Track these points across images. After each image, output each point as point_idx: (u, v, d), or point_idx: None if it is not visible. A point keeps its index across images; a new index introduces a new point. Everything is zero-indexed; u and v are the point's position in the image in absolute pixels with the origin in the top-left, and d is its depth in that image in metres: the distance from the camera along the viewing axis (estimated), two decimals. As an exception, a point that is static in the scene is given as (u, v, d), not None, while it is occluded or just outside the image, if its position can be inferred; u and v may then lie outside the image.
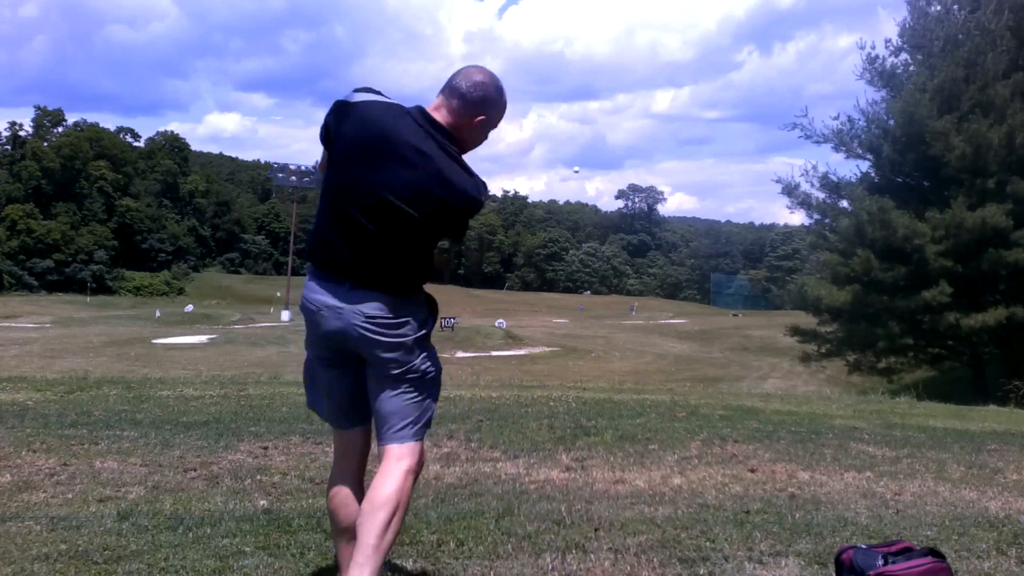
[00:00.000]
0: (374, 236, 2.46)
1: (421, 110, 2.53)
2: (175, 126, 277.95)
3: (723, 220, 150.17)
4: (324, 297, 2.51)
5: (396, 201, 2.43)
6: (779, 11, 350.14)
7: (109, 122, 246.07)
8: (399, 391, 2.53)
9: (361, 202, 2.45)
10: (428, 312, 2.63)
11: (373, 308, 2.48)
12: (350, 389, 2.60)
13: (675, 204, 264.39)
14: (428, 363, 2.58)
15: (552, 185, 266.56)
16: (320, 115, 2.56)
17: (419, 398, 2.56)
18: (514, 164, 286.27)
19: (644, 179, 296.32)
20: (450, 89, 2.54)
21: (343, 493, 2.57)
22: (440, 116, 2.52)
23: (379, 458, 2.53)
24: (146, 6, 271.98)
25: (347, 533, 2.55)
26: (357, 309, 2.48)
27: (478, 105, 2.53)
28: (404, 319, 2.51)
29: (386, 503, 2.37)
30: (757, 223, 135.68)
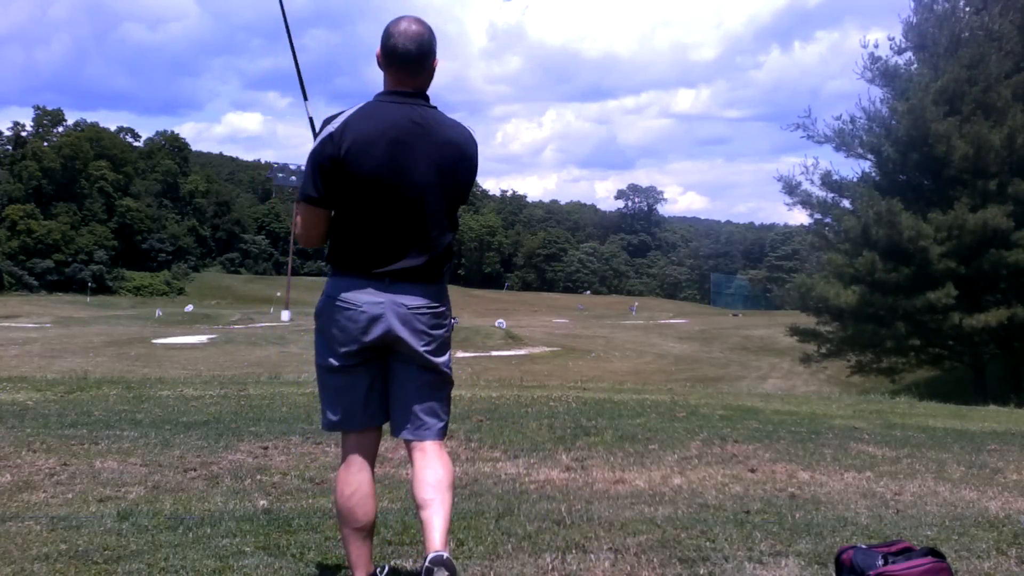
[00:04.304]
0: (423, 221, 2.56)
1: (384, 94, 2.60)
2: (190, 127, 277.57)
3: (735, 220, 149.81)
4: (362, 294, 2.54)
5: (422, 181, 2.55)
6: (802, 10, 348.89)
7: (130, 123, 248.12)
8: (432, 388, 2.63)
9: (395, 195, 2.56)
10: (450, 308, 2.71)
11: (415, 300, 2.56)
12: (372, 388, 2.63)
13: (685, 204, 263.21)
14: (450, 364, 2.69)
15: (562, 185, 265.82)
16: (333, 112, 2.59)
17: (445, 396, 2.67)
18: (527, 164, 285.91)
19: (656, 179, 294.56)
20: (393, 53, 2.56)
21: (361, 492, 2.57)
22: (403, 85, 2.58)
23: (411, 453, 2.61)
24: (167, 6, 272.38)
25: (362, 532, 2.55)
26: (399, 300, 2.54)
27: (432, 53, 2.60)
28: (443, 309, 2.62)
29: (451, 484, 2.54)
30: (757, 223, 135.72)
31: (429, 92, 2.62)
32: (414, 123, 2.53)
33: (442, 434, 2.64)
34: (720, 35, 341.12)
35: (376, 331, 2.54)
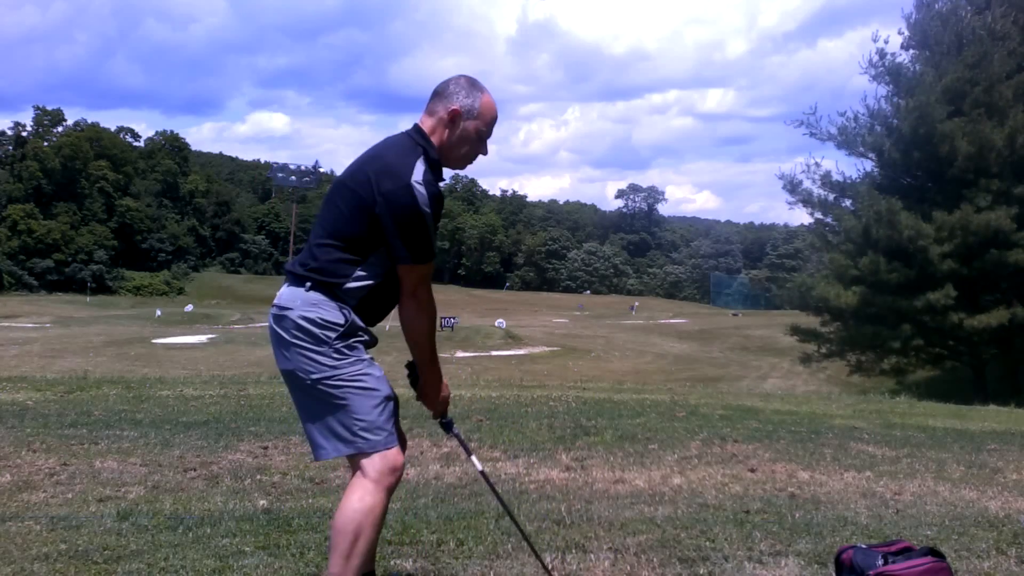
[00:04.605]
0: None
1: (414, 125, 2.55)
2: (209, 126, 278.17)
3: (745, 220, 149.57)
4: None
5: (344, 179, 2.49)
6: (833, 9, 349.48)
7: (152, 121, 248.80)
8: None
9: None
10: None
11: (283, 301, 2.54)
12: None
13: (701, 203, 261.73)
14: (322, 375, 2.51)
15: (577, 186, 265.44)
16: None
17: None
18: (544, 163, 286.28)
19: (671, 179, 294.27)
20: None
21: None
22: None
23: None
24: (190, 4, 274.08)
25: None
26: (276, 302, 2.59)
27: (436, 95, 2.51)
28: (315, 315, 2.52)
29: (342, 529, 2.35)
30: (757, 223, 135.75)
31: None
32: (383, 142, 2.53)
33: (338, 454, 2.43)
34: (749, 33, 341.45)
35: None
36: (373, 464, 2.34)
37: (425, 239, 2.37)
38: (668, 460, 5.37)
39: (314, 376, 2.36)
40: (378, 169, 2.37)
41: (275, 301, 2.47)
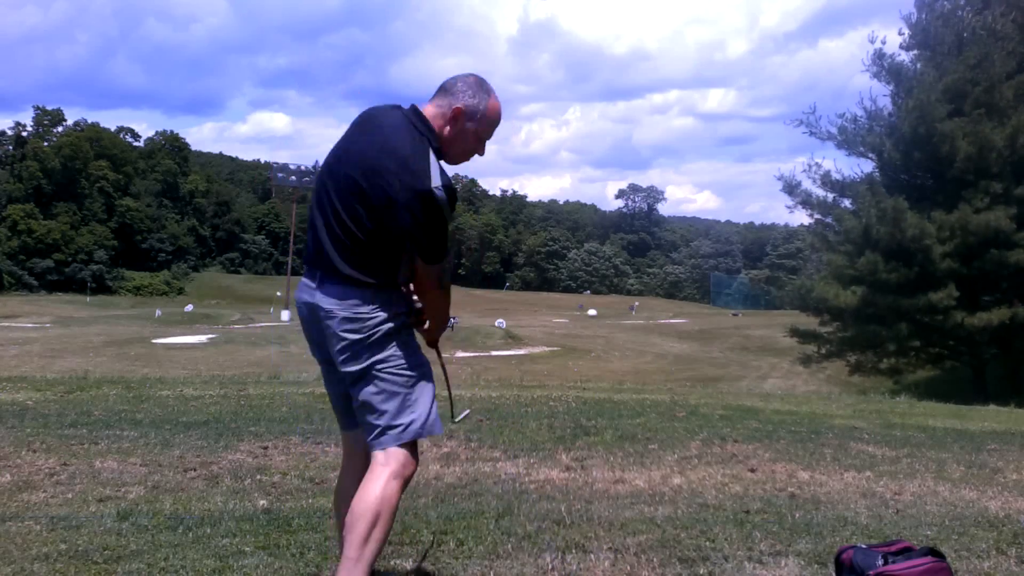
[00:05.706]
0: (340, 219, 2.37)
1: (412, 107, 2.49)
2: (209, 126, 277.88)
3: (745, 220, 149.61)
4: (302, 293, 2.48)
5: (353, 173, 2.36)
6: (834, 9, 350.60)
7: (153, 121, 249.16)
8: (365, 391, 2.41)
9: (334, 181, 2.41)
10: (399, 308, 2.46)
11: (330, 301, 2.39)
12: (340, 388, 2.56)
13: (701, 202, 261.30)
14: (395, 361, 2.42)
15: (577, 186, 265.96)
16: (353, 112, 2.56)
17: (387, 399, 2.40)
18: (544, 163, 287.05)
19: (672, 179, 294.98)
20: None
21: (344, 492, 2.56)
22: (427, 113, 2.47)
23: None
24: (191, 4, 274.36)
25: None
26: (319, 302, 2.41)
27: (443, 90, 2.46)
28: (363, 313, 2.39)
29: (364, 513, 2.30)
30: (757, 223, 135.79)
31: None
32: (368, 115, 2.47)
33: (388, 443, 2.40)
34: (750, 33, 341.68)
35: (310, 333, 2.52)
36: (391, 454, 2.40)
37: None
38: (668, 460, 5.37)
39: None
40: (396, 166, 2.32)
41: None
